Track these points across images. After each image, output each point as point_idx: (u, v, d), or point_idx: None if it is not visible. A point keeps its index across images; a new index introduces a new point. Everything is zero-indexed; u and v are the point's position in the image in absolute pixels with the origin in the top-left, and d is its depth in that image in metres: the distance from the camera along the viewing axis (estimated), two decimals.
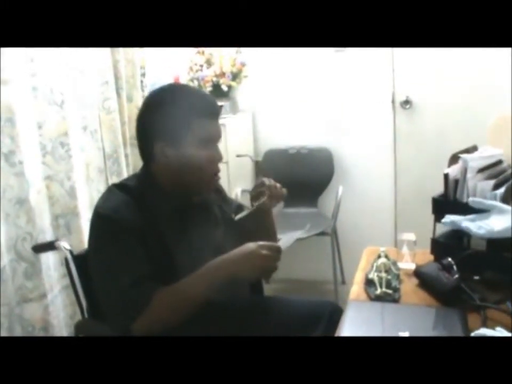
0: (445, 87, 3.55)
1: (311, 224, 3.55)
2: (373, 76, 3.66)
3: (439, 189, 3.49)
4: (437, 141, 3.62)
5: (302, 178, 3.84)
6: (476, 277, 1.78)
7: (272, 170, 3.92)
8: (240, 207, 2.06)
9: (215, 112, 1.75)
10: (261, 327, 1.83)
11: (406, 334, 1.49)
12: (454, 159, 1.97)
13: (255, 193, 1.91)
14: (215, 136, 1.75)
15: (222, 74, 3.59)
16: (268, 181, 1.91)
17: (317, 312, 1.93)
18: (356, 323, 1.59)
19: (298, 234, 1.83)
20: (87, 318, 1.90)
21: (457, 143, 3.43)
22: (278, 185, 1.92)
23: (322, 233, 3.58)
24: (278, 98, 3.83)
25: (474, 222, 1.63)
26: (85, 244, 2.49)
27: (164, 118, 1.69)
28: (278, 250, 1.64)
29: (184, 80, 3.63)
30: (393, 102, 3.66)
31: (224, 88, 3.61)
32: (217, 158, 1.76)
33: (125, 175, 2.76)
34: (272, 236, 1.96)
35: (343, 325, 1.57)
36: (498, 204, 1.64)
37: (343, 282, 3.91)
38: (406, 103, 3.64)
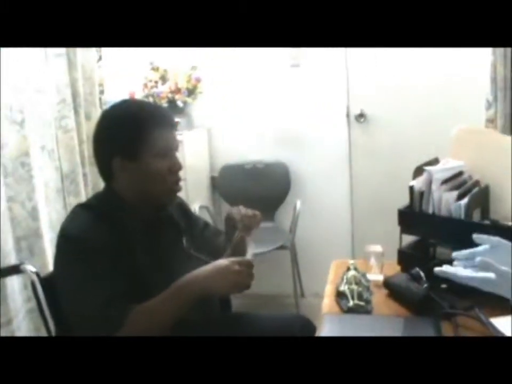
0: (399, 100, 3.63)
1: (270, 239, 3.58)
2: (328, 90, 3.70)
3: (394, 200, 3.56)
4: (391, 153, 3.69)
5: (258, 193, 3.86)
6: (444, 286, 1.81)
7: (228, 185, 3.93)
8: (206, 224, 2.06)
9: (169, 122, 1.75)
10: None
11: None
12: (418, 171, 2.01)
13: (228, 227, 1.91)
14: (172, 146, 1.74)
15: (178, 91, 3.59)
16: (237, 212, 1.89)
17: (288, 327, 1.95)
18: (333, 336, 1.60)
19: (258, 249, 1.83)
20: None
21: (412, 155, 3.53)
22: (251, 212, 1.91)
23: (281, 247, 3.59)
24: (234, 114, 3.84)
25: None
26: (49, 266, 2.46)
27: (119, 133, 1.68)
28: (250, 266, 1.64)
29: (139, 96, 3.60)
30: (347, 115, 3.71)
31: (180, 104, 3.61)
32: (177, 166, 1.75)
33: (83, 195, 2.73)
34: (242, 253, 1.96)
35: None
36: (504, 241, 1.62)
37: (302, 295, 3.93)
38: (361, 116, 3.69)
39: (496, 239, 1.63)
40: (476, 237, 1.65)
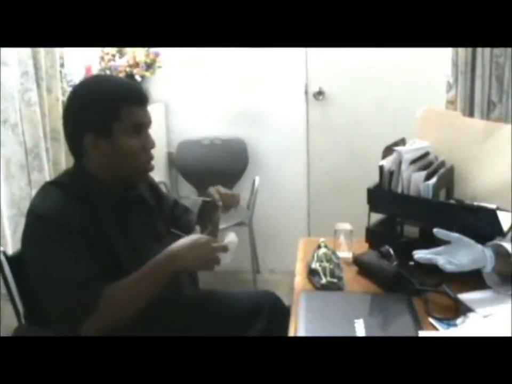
0: (358, 79, 3.66)
1: (228, 215, 3.59)
2: (286, 67, 3.71)
3: (351, 178, 3.67)
4: (349, 131, 3.74)
5: (216, 169, 3.86)
6: (412, 263, 1.87)
7: (186, 161, 3.92)
8: (176, 202, 2.06)
9: (142, 98, 1.72)
10: (205, 321, 1.85)
11: (360, 321, 1.56)
12: (387, 151, 2.05)
13: (206, 206, 1.93)
14: (145, 122, 1.73)
15: (136, 65, 3.53)
16: (216, 191, 1.90)
17: (258, 304, 1.96)
18: (311, 313, 1.64)
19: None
20: (25, 324, 1.83)
21: (369, 134, 3.64)
22: (229, 192, 1.93)
23: (239, 224, 3.61)
24: (192, 89, 3.81)
25: (442, 255, 1.71)
26: (7, 243, 2.41)
27: (91, 110, 1.65)
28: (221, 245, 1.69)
29: (96, 70, 3.54)
30: (306, 93, 3.74)
31: (138, 78, 3.55)
32: (150, 144, 1.73)
33: (46, 170, 2.67)
34: (214, 231, 1.98)
35: (299, 316, 1.62)
36: (463, 237, 1.73)
37: (258, 271, 3.98)
38: (319, 94, 3.72)
39: (456, 235, 1.71)
40: (436, 231, 1.73)
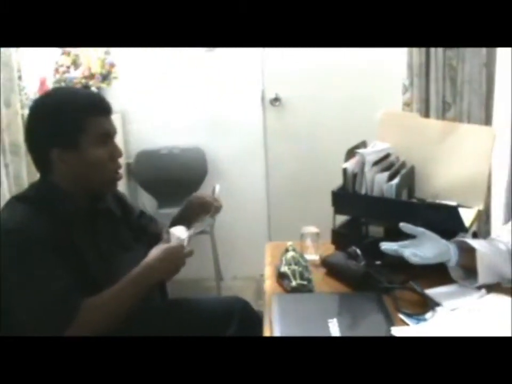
0: (314, 84, 3.72)
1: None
2: (243, 74, 3.74)
3: (309, 182, 3.71)
4: (306, 136, 3.79)
5: (175, 178, 3.86)
6: (378, 262, 1.92)
7: (144, 172, 3.91)
8: (142, 214, 2.07)
9: (107, 108, 1.72)
10: (176, 329, 1.85)
11: (334, 320, 1.59)
12: (350, 153, 2.09)
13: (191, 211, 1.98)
14: (111, 132, 1.73)
15: (92, 76, 3.51)
16: (207, 197, 2.01)
17: (228, 310, 1.98)
18: (285, 316, 1.65)
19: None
20: None
21: (326, 138, 3.69)
22: (217, 198, 2.01)
23: (201, 232, 3.61)
24: (148, 99, 3.80)
25: (408, 248, 1.75)
26: None
27: (56, 124, 1.64)
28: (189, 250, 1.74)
29: (50, 82, 3.50)
30: (262, 99, 3.77)
31: (94, 90, 3.54)
32: (117, 153, 1.74)
33: (5, 186, 2.63)
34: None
35: (273, 319, 1.63)
36: (427, 231, 1.78)
37: (221, 278, 3.98)
38: (275, 100, 3.76)
39: (421, 229, 1.76)
40: (402, 225, 1.78)
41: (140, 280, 1.64)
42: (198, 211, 1.98)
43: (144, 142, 3.88)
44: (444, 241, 1.79)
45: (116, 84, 3.64)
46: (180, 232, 1.76)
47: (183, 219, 1.97)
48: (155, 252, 1.68)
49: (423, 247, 1.76)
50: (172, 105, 3.82)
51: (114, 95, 3.72)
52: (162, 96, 3.80)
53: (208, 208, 1.96)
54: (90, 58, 3.55)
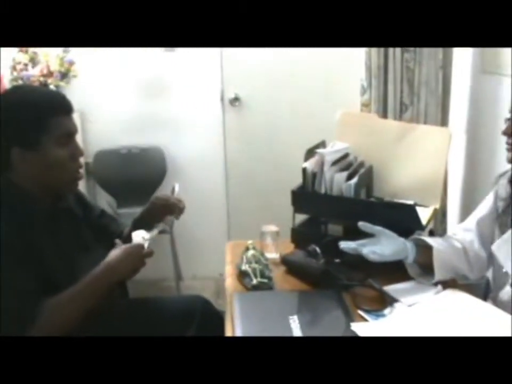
0: (273, 84, 3.73)
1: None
2: (202, 74, 3.74)
3: (268, 182, 3.74)
4: (266, 136, 3.81)
5: (134, 178, 3.83)
6: (337, 260, 1.95)
7: (103, 171, 3.87)
8: (103, 213, 2.06)
9: (68, 108, 1.71)
10: (137, 329, 1.85)
11: (294, 317, 1.61)
12: (309, 153, 2.11)
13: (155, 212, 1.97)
14: (72, 131, 1.71)
15: (50, 74, 3.46)
16: (171, 198, 1.98)
17: (189, 308, 2.00)
18: (246, 313, 1.67)
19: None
20: None
21: (285, 138, 3.72)
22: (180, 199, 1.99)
23: (160, 232, 3.59)
24: (108, 98, 3.77)
25: (366, 246, 1.78)
26: None
27: (17, 123, 1.62)
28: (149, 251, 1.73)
29: (7, 80, 3.45)
30: (222, 99, 3.78)
31: (53, 88, 3.49)
32: (79, 152, 1.73)
33: None
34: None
35: (235, 317, 1.65)
36: (385, 230, 1.81)
37: (181, 278, 3.97)
38: (235, 100, 3.77)
39: (378, 228, 1.79)
40: (361, 224, 1.81)
41: (99, 280, 1.63)
42: (161, 212, 1.98)
43: (103, 141, 3.83)
44: (401, 239, 1.83)
45: (74, 82, 3.60)
46: (141, 237, 1.75)
47: (146, 220, 1.96)
48: (115, 252, 1.68)
49: (381, 245, 1.80)
50: (131, 105, 3.79)
51: (73, 93, 3.68)
52: (122, 95, 3.77)
53: (172, 209, 1.95)
54: (49, 56, 3.50)
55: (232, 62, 3.69)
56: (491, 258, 1.84)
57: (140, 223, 1.93)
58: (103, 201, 3.78)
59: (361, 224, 1.82)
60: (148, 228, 1.85)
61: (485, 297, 1.87)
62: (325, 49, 3.33)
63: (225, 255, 2.21)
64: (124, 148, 3.85)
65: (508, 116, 1.70)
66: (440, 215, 3.15)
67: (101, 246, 1.85)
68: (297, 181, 2.13)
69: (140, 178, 3.84)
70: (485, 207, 1.87)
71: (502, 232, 1.78)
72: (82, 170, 1.78)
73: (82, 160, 1.77)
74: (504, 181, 1.80)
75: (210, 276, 3.84)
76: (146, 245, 1.72)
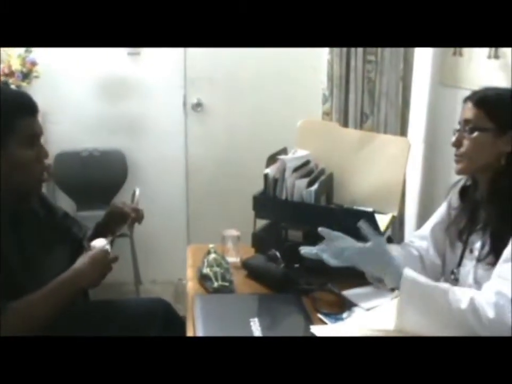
0: (235, 90, 3.77)
1: None
2: (165, 79, 3.74)
3: (229, 187, 3.76)
4: (227, 142, 3.83)
5: (95, 180, 3.81)
6: (297, 265, 1.98)
7: (64, 173, 3.83)
8: (66, 215, 2.05)
9: (33, 108, 1.69)
10: (99, 331, 1.84)
11: (255, 320, 1.63)
12: (271, 160, 2.14)
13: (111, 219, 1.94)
14: (38, 133, 1.70)
15: (11, 74, 3.42)
16: (126, 206, 1.94)
17: (151, 311, 2.00)
18: (207, 316, 1.69)
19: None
20: None
21: (246, 144, 3.75)
22: (137, 207, 1.97)
23: (121, 235, 3.57)
24: (70, 100, 3.74)
25: (327, 252, 1.79)
26: None
27: None
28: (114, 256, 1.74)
29: None
30: (184, 104, 3.79)
31: (13, 88, 3.45)
32: (44, 154, 1.71)
33: None
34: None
35: (196, 319, 1.66)
36: (344, 236, 1.83)
37: (140, 282, 3.95)
38: (197, 105, 3.78)
39: (338, 234, 1.81)
40: (321, 230, 1.83)
41: (67, 286, 1.63)
42: (118, 221, 1.96)
43: (64, 143, 3.79)
44: (360, 244, 1.86)
45: (36, 82, 3.56)
46: (100, 245, 1.75)
47: (105, 228, 1.95)
48: (82, 259, 1.68)
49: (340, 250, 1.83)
50: (94, 107, 3.77)
51: (35, 94, 3.63)
52: (84, 97, 3.75)
53: (126, 218, 1.93)
54: (11, 55, 3.46)
55: (195, 67, 3.71)
56: (443, 265, 1.89)
57: (101, 228, 1.93)
58: (63, 203, 3.75)
59: (321, 230, 1.84)
60: (110, 232, 1.84)
61: None
62: (288, 56, 3.39)
63: (186, 258, 2.22)
64: (85, 150, 3.83)
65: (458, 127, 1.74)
66: (398, 222, 3.21)
67: (63, 248, 1.85)
68: (258, 186, 2.16)
69: (101, 182, 3.82)
70: (439, 215, 1.92)
71: (450, 240, 1.84)
72: (46, 172, 1.77)
73: (47, 161, 1.76)
74: (456, 190, 1.86)
75: (170, 280, 3.84)
76: (110, 249, 1.72)
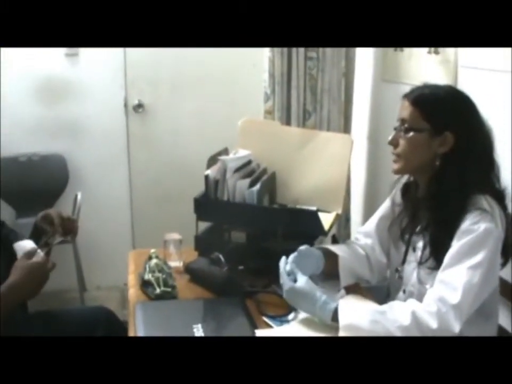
0: (176, 91, 3.72)
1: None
2: (106, 79, 3.66)
3: (172, 189, 3.71)
4: (170, 143, 3.78)
5: (35, 187, 3.70)
6: (241, 267, 1.95)
7: (2, 179, 3.71)
8: (3, 224, 1.97)
9: None
10: None
11: (198, 326, 1.60)
12: (212, 160, 2.10)
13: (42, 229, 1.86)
14: None
15: None
16: (56, 216, 1.84)
17: (92, 319, 1.96)
18: (149, 323, 1.64)
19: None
20: None
21: (188, 145, 3.70)
22: (70, 218, 1.89)
23: (63, 242, 3.49)
24: (6, 103, 3.59)
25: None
26: None
27: None
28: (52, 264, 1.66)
29: None
30: (125, 105, 3.72)
31: None
32: None
33: None
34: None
35: (137, 327, 1.62)
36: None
37: (85, 289, 3.86)
38: (139, 106, 3.72)
39: (304, 247, 1.78)
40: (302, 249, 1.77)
41: (2, 301, 1.55)
42: (47, 231, 1.87)
43: (1, 148, 3.68)
44: (316, 252, 1.82)
45: None
46: (25, 246, 1.68)
47: (37, 239, 1.88)
48: (17, 271, 1.59)
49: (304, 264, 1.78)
50: (31, 110, 3.66)
51: None
52: (21, 100, 3.63)
53: (55, 230, 1.85)
54: None
55: (135, 68, 3.64)
56: (389, 262, 1.88)
57: (35, 239, 1.85)
58: (2, 211, 3.63)
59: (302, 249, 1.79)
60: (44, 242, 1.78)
61: (386, 299, 1.91)
62: (230, 55, 3.35)
63: (128, 264, 2.16)
64: (23, 155, 3.71)
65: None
66: (344, 220, 3.22)
67: (0, 258, 1.77)
68: (201, 188, 2.11)
69: (40, 187, 3.72)
70: (383, 210, 1.91)
71: (394, 239, 1.83)
72: None
73: None
74: (399, 186, 1.85)
75: (115, 285, 3.76)
76: (42, 254, 1.65)
